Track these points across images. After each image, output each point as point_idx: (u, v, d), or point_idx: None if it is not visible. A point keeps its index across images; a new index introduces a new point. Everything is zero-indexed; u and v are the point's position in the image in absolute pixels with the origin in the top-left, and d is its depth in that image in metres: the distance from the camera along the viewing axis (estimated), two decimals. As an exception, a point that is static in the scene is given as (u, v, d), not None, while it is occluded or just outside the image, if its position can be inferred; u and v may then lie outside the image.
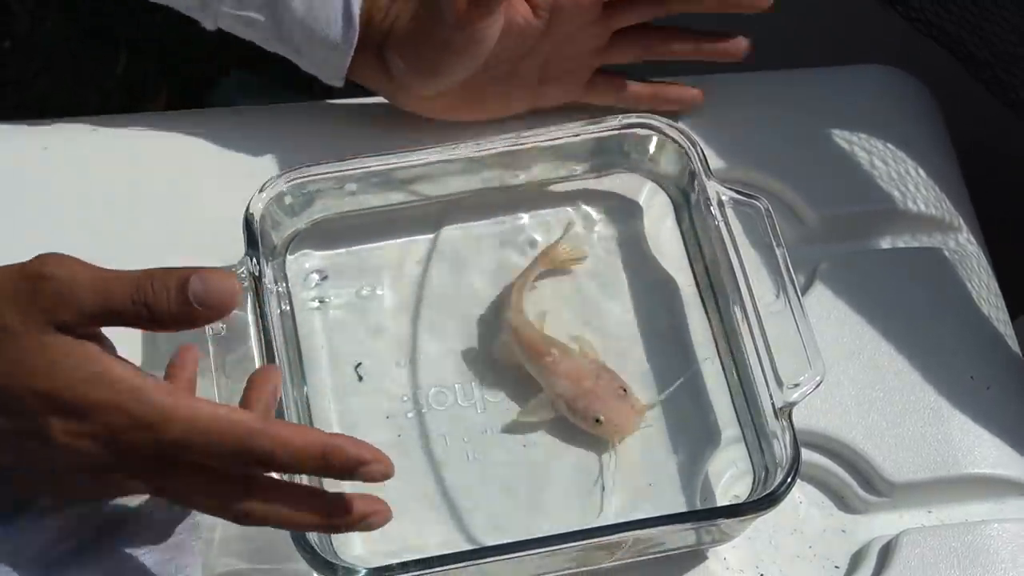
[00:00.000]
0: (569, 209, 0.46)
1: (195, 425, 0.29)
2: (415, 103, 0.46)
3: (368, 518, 0.31)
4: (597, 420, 0.39)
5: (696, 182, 0.43)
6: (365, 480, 0.30)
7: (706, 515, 0.38)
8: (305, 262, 0.44)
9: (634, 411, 0.39)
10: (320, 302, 0.43)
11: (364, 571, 0.34)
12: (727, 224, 0.40)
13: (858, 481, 0.41)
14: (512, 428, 0.41)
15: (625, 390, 0.40)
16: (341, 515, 0.31)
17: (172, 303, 0.29)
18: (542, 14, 0.44)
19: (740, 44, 0.47)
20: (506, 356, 0.41)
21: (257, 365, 0.38)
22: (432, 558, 0.35)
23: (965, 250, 0.46)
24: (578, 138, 0.44)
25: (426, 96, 0.46)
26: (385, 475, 0.30)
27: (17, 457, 0.30)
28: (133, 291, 0.29)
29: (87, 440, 0.29)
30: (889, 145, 0.48)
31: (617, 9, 0.45)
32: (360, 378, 0.42)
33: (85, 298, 0.29)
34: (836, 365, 0.38)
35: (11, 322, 0.28)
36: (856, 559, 0.40)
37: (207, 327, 0.37)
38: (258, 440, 0.29)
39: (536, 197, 0.46)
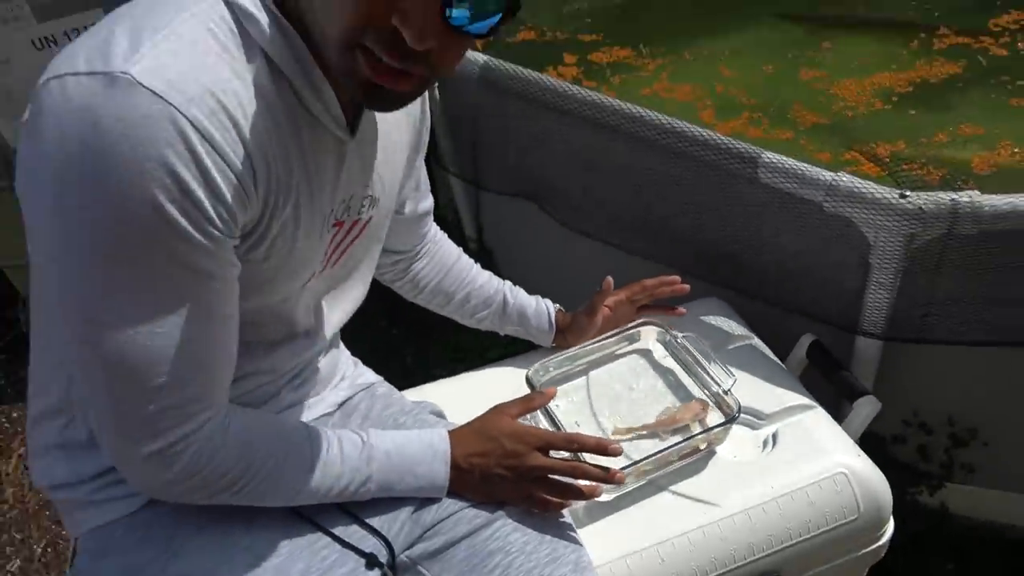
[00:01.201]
0: (635, 356, 1.24)
1: (556, 435, 0.95)
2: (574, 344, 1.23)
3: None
4: (701, 421, 1.12)
5: (670, 336, 1.22)
6: (613, 454, 0.94)
7: (724, 423, 1.10)
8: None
9: (706, 411, 1.13)
10: (557, 406, 1.17)
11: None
12: (684, 344, 1.19)
13: (754, 416, 1.17)
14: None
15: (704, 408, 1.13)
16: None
17: (538, 399, 1.01)
18: (612, 308, 1.23)
19: (680, 311, 1.29)
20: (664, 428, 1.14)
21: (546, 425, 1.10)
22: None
23: (759, 346, 1.28)
24: (625, 331, 1.23)
25: (576, 343, 1.23)
26: (619, 452, 0.94)
27: (496, 462, 0.94)
28: (526, 400, 1.01)
29: (522, 445, 0.93)
30: (718, 319, 1.31)
31: (637, 301, 1.25)
32: (578, 425, 1.14)
33: (513, 407, 0.98)
34: (740, 378, 1.15)
35: (489, 416, 0.97)
36: (764, 443, 1.14)
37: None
38: (576, 438, 0.94)
39: (613, 358, 1.23)
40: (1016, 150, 1.44)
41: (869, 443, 1.26)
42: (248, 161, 0.68)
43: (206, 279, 0.69)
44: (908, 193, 1.12)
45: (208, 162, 0.64)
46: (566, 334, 1.23)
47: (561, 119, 1.42)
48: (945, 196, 1.11)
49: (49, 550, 1.64)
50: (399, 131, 0.91)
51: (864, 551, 1.11)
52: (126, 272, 0.66)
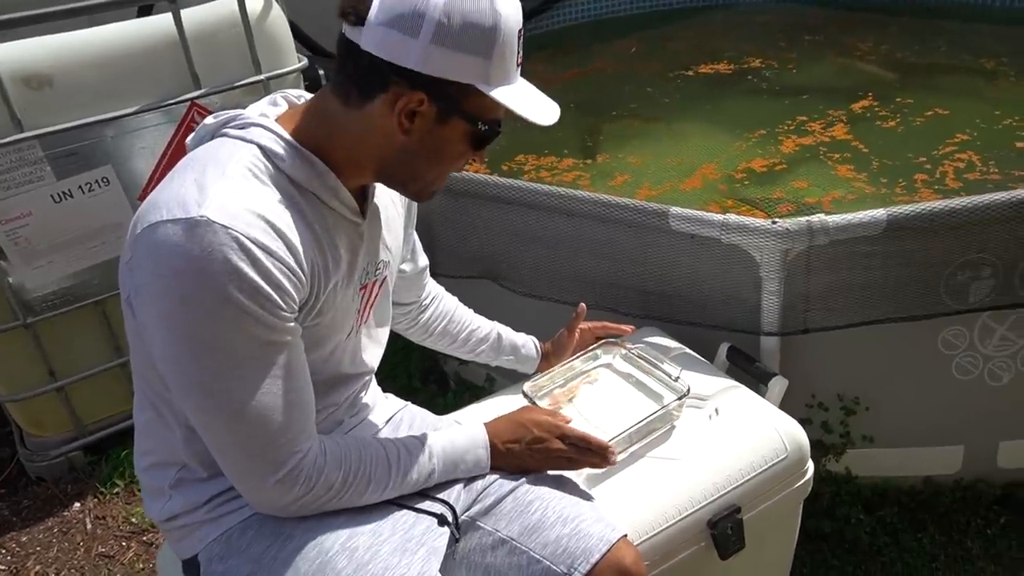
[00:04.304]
0: (601, 369, 1.58)
1: (574, 431, 1.23)
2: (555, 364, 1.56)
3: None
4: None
5: (625, 350, 1.57)
6: (611, 455, 1.23)
7: (679, 398, 1.44)
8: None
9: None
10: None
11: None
12: (637, 353, 1.55)
13: (699, 399, 1.52)
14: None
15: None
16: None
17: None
18: (579, 335, 1.59)
19: (628, 330, 1.66)
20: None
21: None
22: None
23: (692, 354, 1.66)
24: (591, 351, 1.58)
25: (557, 363, 1.56)
26: (615, 452, 1.24)
27: (526, 445, 1.23)
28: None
29: (546, 434, 1.20)
30: (655, 339, 1.69)
31: (597, 333, 1.61)
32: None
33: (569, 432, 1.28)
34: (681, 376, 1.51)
35: (523, 409, 1.30)
36: (710, 416, 1.50)
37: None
38: (586, 437, 1.21)
39: (585, 371, 1.57)
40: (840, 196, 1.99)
41: (784, 424, 1.63)
42: (295, 259, 0.95)
43: (285, 346, 0.98)
44: (777, 220, 1.56)
45: (269, 265, 0.91)
46: (549, 357, 1.57)
47: (507, 208, 1.82)
48: (802, 219, 1.55)
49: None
50: (394, 207, 1.25)
51: (796, 485, 1.46)
52: (229, 355, 0.94)
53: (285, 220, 0.96)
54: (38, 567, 1.96)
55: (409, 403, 1.41)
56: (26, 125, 1.84)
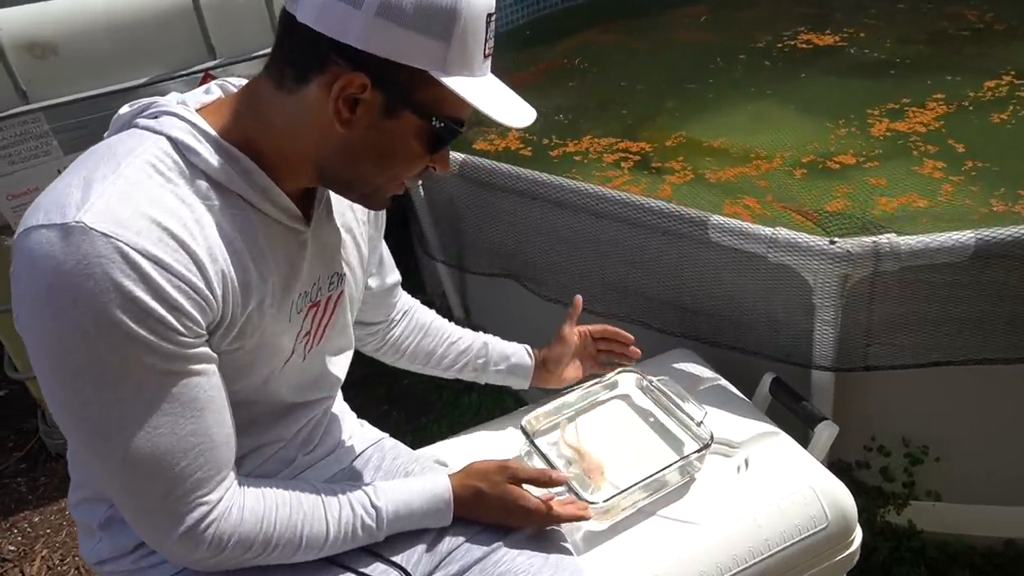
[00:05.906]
0: (616, 401, 1.38)
1: (541, 508, 1.06)
2: (552, 384, 1.37)
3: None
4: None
5: (646, 381, 1.36)
6: (586, 518, 1.10)
7: (700, 449, 1.24)
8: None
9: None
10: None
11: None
12: (659, 387, 1.34)
13: (727, 445, 1.30)
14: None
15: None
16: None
17: (551, 480, 1.12)
18: (578, 337, 1.37)
19: (638, 352, 1.44)
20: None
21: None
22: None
23: (727, 386, 1.44)
24: (606, 379, 1.37)
25: (552, 382, 1.37)
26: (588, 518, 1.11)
27: (490, 513, 1.08)
28: (540, 474, 1.11)
29: (519, 507, 1.08)
30: (687, 366, 1.47)
31: (599, 340, 1.40)
32: (570, 465, 1.27)
33: (519, 471, 1.11)
34: (711, 414, 1.29)
35: (494, 477, 1.09)
36: (738, 468, 1.28)
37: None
38: (540, 477, 1.09)
39: (597, 404, 1.37)
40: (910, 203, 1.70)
41: (837, 469, 1.40)
42: (201, 274, 0.79)
43: (187, 378, 0.81)
44: (836, 240, 1.30)
45: (162, 282, 0.75)
46: (548, 364, 1.35)
47: (529, 203, 1.61)
48: (868, 239, 1.29)
49: (77, 643, 1.70)
50: (352, 210, 1.05)
51: (837, 558, 1.23)
52: (115, 389, 0.77)
53: (191, 227, 0.79)
54: (45, 551, 1.92)
55: (386, 436, 1.25)
56: (31, 96, 1.74)
